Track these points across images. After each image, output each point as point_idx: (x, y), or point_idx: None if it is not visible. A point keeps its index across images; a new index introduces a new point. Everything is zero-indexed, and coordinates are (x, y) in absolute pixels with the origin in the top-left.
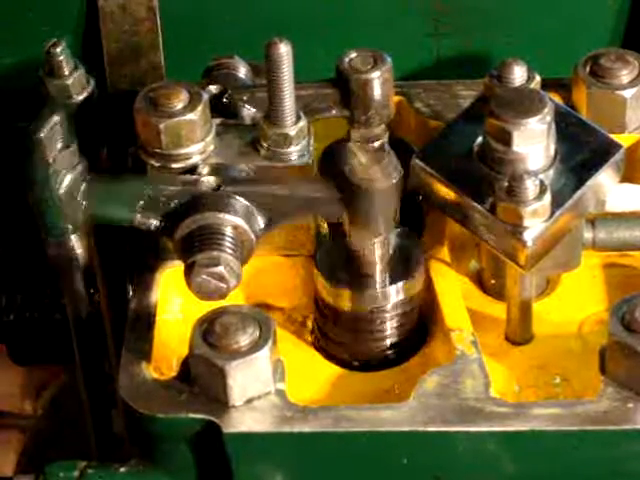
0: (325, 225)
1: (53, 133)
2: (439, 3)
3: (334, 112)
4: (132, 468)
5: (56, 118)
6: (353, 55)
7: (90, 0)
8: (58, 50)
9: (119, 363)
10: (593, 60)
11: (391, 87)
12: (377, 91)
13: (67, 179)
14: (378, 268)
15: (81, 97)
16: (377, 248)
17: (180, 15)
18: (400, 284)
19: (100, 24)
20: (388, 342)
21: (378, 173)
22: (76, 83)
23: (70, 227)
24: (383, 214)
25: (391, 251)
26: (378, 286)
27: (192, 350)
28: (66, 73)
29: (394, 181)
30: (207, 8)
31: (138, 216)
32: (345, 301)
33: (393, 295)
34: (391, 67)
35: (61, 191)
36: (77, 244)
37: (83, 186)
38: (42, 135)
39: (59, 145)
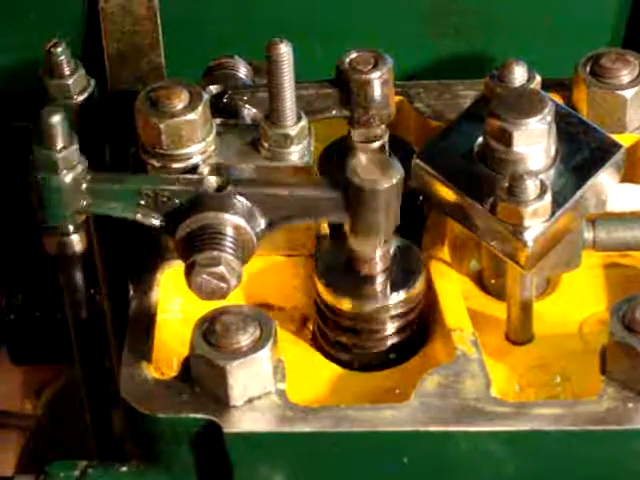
0: (325, 225)
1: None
2: (439, 3)
3: (334, 112)
4: (133, 467)
5: (59, 117)
6: (353, 55)
7: (91, 0)
8: (59, 50)
9: (120, 363)
10: (594, 60)
11: (391, 87)
12: (377, 91)
13: (67, 178)
14: (379, 273)
15: (81, 97)
16: (378, 252)
17: (180, 15)
18: (400, 292)
19: (101, 24)
20: (388, 342)
21: (379, 174)
22: (77, 83)
23: (70, 221)
24: (385, 215)
25: (392, 258)
26: (379, 289)
27: (193, 350)
28: (67, 73)
29: (395, 181)
30: (207, 8)
31: (139, 215)
32: (345, 305)
33: (394, 299)
34: (391, 67)
35: (63, 184)
36: (77, 239)
37: (83, 186)
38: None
39: (60, 145)
